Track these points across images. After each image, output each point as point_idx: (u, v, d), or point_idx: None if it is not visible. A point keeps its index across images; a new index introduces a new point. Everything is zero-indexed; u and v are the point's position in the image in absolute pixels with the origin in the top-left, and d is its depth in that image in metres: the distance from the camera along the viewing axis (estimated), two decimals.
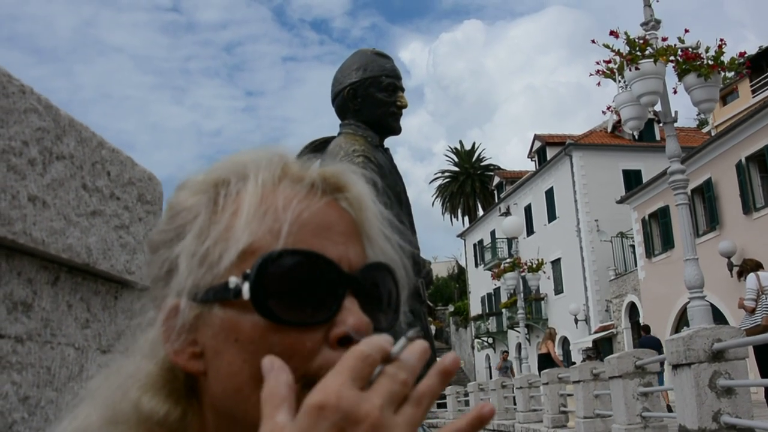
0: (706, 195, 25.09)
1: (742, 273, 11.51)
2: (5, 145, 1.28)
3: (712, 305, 9.97)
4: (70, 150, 1.47)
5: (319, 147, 3.33)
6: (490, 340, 49.21)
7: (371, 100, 3.30)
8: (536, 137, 44.13)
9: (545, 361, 18.60)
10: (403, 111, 3.40)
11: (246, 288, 0.71)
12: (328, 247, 0.74)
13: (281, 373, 0.64)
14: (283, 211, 0.74)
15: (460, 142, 67.59)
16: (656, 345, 16.05)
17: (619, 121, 34.53)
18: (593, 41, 8.86)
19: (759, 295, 10.63)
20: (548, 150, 41.68)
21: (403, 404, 0.62)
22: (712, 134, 29.71)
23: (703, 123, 44.40)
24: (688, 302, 8.12)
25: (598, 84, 9.15)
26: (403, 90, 3.39)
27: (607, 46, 8.70)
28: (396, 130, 3.40)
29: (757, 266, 11.22)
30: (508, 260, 24.06)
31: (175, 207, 0.81)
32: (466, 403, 28.13)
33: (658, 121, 36.03)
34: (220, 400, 0.75)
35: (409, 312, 3.13)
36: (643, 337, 19.89)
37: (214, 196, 0.78)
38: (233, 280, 0.72)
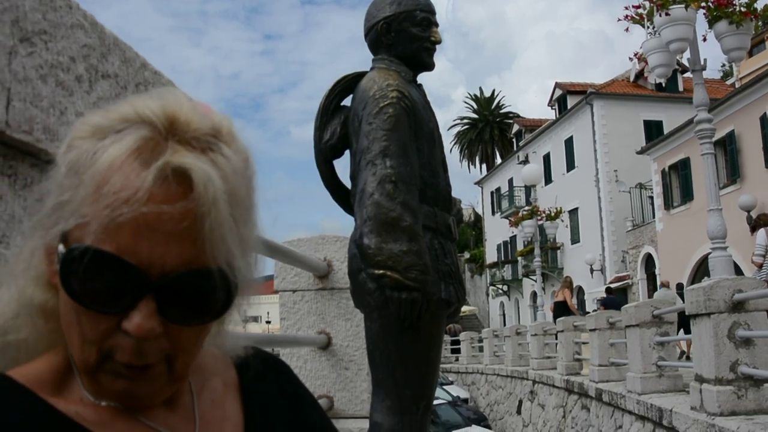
0: (728, 147, 24.82)
1: (755, 228, 11.42)
2: (53, 60, 1.26)
3: None
4: (114, 69, 1.45)
5: (351, 82, 3.30)
6: (505, 288, 49.39)
7: (405, 35, 3.25)
8: (557, 85, 43.70)
9: (561, 309, 18.64)
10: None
11: (58, 266, 0.80)
12: (143, 247, 0.77)
13: None
14: (114, 202, 0.76)
15: (480, 89, 66.86)
16: (619, 305, 16.43)
17: (642, 71, 34.26)
18: None
19: (767, 251, 10.55)
20: (569, 98, 41.30)
21: None
22: (737, 86, 29.28)
23: (727, 75, 43.77)
24: (707, 254, 8.09)
25: (626, 30, 9.00)
26: (437, 25, 3.33)
27: None
28: (430, 66, 3.35)
29: None
30: (526, 208, 24.01)
31: (71, 139, 0.85)
32: (480, 349, 28.35)
33: (682, 72, 35.78)
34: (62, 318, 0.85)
35: (439, 247, 3.13)
36: (607, 297, 19.98)
37: (84, 153, 0.81)
38: (60, 249, 0.80)
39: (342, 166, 3.38)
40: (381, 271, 2.88)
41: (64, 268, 0.79)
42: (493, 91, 65.82)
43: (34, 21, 1.21)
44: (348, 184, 3.31)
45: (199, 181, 0.79)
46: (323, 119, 3.30)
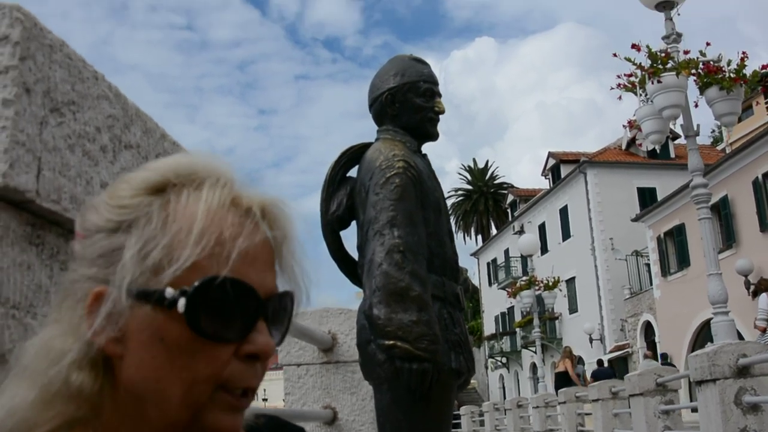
0: (722, 212, 24.95)
1: (757, 292, 11.42)
2: (81, 130, 1.27)
3: None
4: (137, 140, 1.47)
5: (357, 153, 3.33)
6: (504, 360, 48.96)
7: (409, 106, 3.30)
8: (550, 155, 44.08)
9: (562, 380, 18.46)
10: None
11: (182, 303, 0.80)
12: (251, 274, 0.84)
13: None
14: (230, 241, 0.83)
15: (474, 160, 67.34)
16: (610, 377, 16.50)
17: (633, 138, 34.56)
18: (615, 54, 8.84)
19: None
20: (562, 167, 41.62)
21: None
22: (727, 151, 29.59)
23: (717, 140, 44.24)
24: (707, 320, 8.08)
25: (619, 98, 9.12)
26: (440, 95, 3.38)
27: (629, 60, 8.67)
28: (434, 136, 3.39)
29: None
30: (523, 279, 23.98)
31: (118, 199, 0.86)
32: (481, 423, 27.96)
33: (673, 138, 36.16)
34: (136, 384, 0.83)
35: (448, 317, 3.11)
36: (597, 369, 19.86)
37: (165, 202, 0.85)
38: (170, 292, 0.80)
39: (348, 237, 3.40)
40: (391, 342, 2.86)
41: (191, 305, 0.80)
42: (487, 162, 66.39)
43: (64, 92, 1.23)
44: (355, 255, 3.31)
45: (281, 218, 0.90)
46: (329, 190, 3.32)
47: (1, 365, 0.97)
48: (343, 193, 3.30)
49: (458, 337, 3.12)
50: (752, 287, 11.90)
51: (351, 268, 3.35)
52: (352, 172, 3.35)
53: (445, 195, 3.62)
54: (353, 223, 3.31)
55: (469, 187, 64.36)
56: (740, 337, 21.30)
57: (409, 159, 3.11)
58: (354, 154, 3.34)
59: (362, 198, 3.12)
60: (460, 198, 64.23)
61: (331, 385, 4.46)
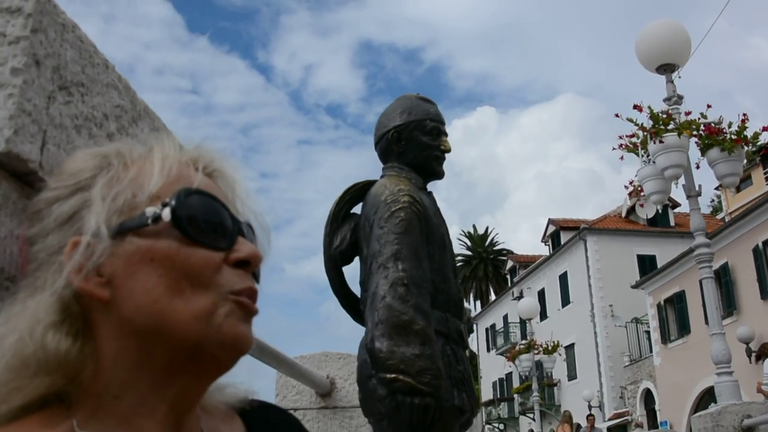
0: (723, 279, 24.88)
1: (760, 357, 11.36)
2: (88, 113, 1.26)
3: None
4: (144, 136, 1.44)
5: (361, 189, 3.31)
6: (502, 426, 48.36)
7: (415, 143, 3.29)
8: (550, 221, 44.22)
9: None
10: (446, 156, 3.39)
11: (167, 212, 0.84)
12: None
13: None
14: (187, 170, 0.91)
15: (474, 226, 67.52)
16: None
17: (633, 206, 34.66)
18: (617, 115, 8.88)
19: None
20: (562, 234, 41.72)
21: None
22: (726, 220, 29.68)
23: (716, 210, 44.41)
24: (708, 387, 8.00)
25: (621, 158, 9.15)
26: (446, 134, 3.38)
27: (631, 120, 8.72)
28: (439, 174, 3.38)
29: None
30: (522, 342, 23.80)
31: (71, 169, 0.91)
32: None
33: (672, 207, 36.27)
34: (134, 317, 0.82)
35: (451, 353, 3.06)
36: None
37: (123, 157, 0.91)
38: (150, 210, 0.84)
39: (351, 274, 3.36)
40: (393, 375, 2.80)
41: (176, 212, 0.85)
42: (487, 228, 66.58)
43: (74, 72, 1.22)
44: (357, 291, 3.27)
45: (225, 167, 0.98)
46: (333, 226, 3.30)
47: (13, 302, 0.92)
48: (347, 228, 3.28)
49: (461, 375, 3.06)
50: (754, 354, 11.77)
51: (353, 304, 3.31)
52: (357, 209, 3.33)
53: None
54: (356, 260, 3.28)
55: (469, 252, 64.43)
56: None
57: (414, 194, 3.09)
58: (359, 191, 3.33)
59: (366, 232, 3.10)
60: (460, 263, 64.16)
61: (329, 431, 4.37)
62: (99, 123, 1.29)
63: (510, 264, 52.21)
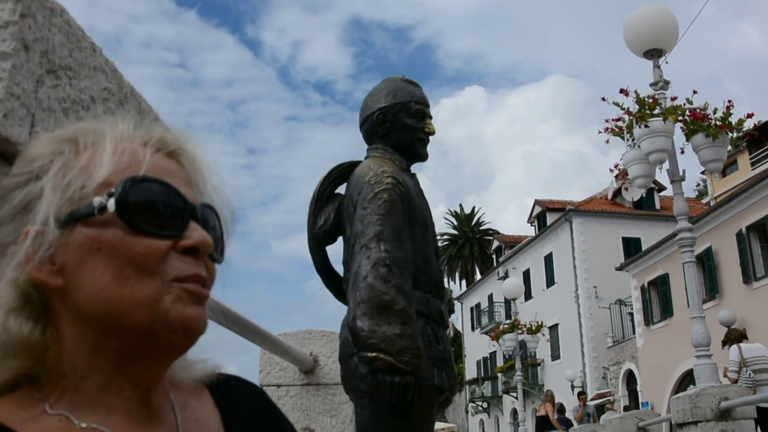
0: (706, 263, 25.07)
1: (726, 343, 11.47)
2: (76, 96, 1.29)
3: None
4: (102, 117, 1.48)
5: (346, 170, 3.34)
6: (485, 405, 48.68)
7: (400, 125, 3.32)
8: (537, 202, 44.33)
9: (543, 425, 18.36)
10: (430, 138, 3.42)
11: (111, 203, 0.85)
12: (172, 182, 0.90)
13: None
14: (140, 153, 0.90)
15: (460, 205, 67.55)
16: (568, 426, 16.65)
17: (619, 189, 34.85)
18: (603, 99, 8.92)
19: (741, 367, 10.58)
20: (548, 215, 41.86)
21: None
22: (711, 204, 29.86)
23: (702, 194, 44.65)
24: (689, 370, 8.08)
25: (607, 141, 9.19)
26: (431, 117, 3.41)
27: (617, 104, 8.77)
28: (423, 156, 3.41)
29: (740, 337, 11.18)
30: (506, 322, 23.93)
31: (29, 155, 0.92)
32: None
33: (658, 190, 36.44)
34: (85, 305, 0.85)
35: (431, 333, 3.11)
36: (558, 417, 19.75)
37: (75, 143, 0.91)
38: (97, 200, 0.85)
39: (334, 253, 3.40)
40: (373, 354, 2.85)
41: (120, 201, 0.85)
42: (473, 208, 66.60)
43: (62, 56, 1.25)
44: (340, 270, 3.31)
45: (186, 145, 0.98)
46: (317, 205, 3.33)
47: None
48: (331, 208, 3.31)
49: (441, 354, 3.11)
50: (724, 337, 11.83)
51: (336, 283, 3.35)
52: (341, 189, 3.37)
53: None
54: (339, 239, 3.32)
55: (455, 232, 64.49)
56: None
57: (398, 176, 3.13)
58: (343, 171, 3.36)
59: (350, 212, 3.13)
60: (446, 243, 64.28)
61: (311, 407, 4.43)
62: (86, 106, 1.32)
63: (496, 244, 52.35)
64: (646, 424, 9.41)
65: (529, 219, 45.34)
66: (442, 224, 63.40)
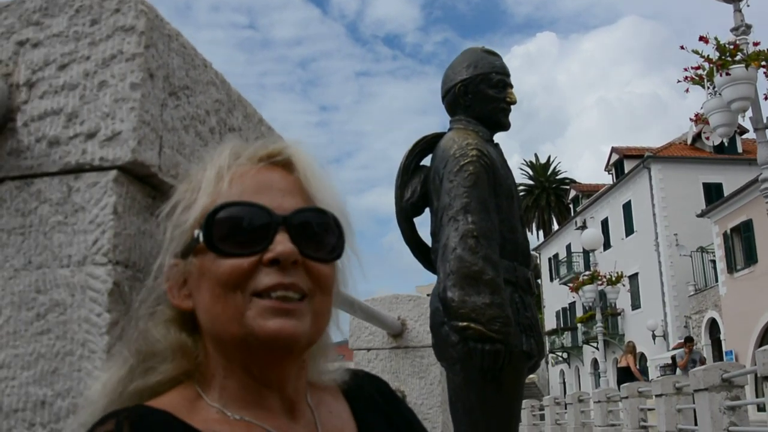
0: None
1: None
2: (194, 113, 1.38)
3: None
4: (239, 123, 1.58)
5: (430, 142, 3.41)
6: (565, 355, 48.63)
7: (482, 97, 3.37)
8: (613, 150, 43.58)
9: (624, 375, 18.30)
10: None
11: (200, 233, 0.98)
12: (264, 199, 0.99)
13: None
14: (227, 176, 1.01)
15: (536, 155, 67.18)
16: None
17: (699, 133, 34.02)
18: (682, 47, 8.76)
19: None
20: (626, 163, 41.13)
21: None
22: None
23: None
24: None
25: (687, 90, 9.04)
26: (512, 86, 3.45)
27: (696, 52, 8.60)
28: (506, 126, 3.46)
29: None
30: (586, 273, 23.77)
31: (173, 194, 1.08)
32: (542, 417, 27.83)
33: (740, 133, 35.42)
34: (203, 323, 1.00)
35: (519, 301, 3.18)
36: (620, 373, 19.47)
37: (189, 182, 1.05)
38: (196, 232, 0.98)
39: (422, 224, 3.48)
40: (464, 323, 2.94)
41: (207, 232, 0.97)
42: (549, 158, 65.94)
43: (180, 77, 1.34)
44: (429, 241, 3.40)
45: (292, 153, 1.07)
46: (404, 178, 3.41)
47: (128, 317, 1.08)
48: (417, 180, 3.39)
49: (529, 321, 3.19)
50: None
51: (425, 254, 3.44)
52: (426, 161, 3.44)
53: None
54: (427, 211, 3.40)
55: (531, 182, 64.00)
56: None
57: (482, 147, 3.19)
58: (428, 144, 3.43)
59: (436, 185, 3.21)
60: (522, 193, 63.74)
61: (400, 370, 4.56)
62: (202, 120, 1.42)
63: (573, 193, 51.75)
64: (731, 376, 9.31)
65: (606, 167, 44.65)
66: (518, 175, 62.89)
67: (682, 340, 32.85)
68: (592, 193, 46.37)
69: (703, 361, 17.87)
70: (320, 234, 1.02)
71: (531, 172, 64.73)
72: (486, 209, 3.08)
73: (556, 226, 56.64)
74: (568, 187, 57.14)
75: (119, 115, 1.21)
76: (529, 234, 59.52)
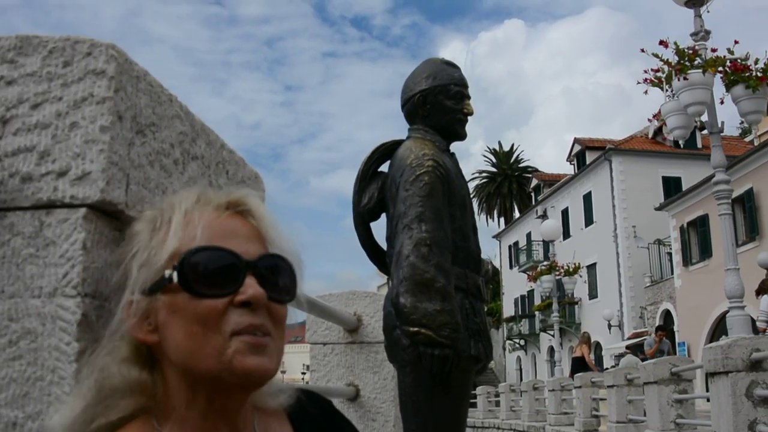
0: (746, 205, 24.92)
1: (760, 292, 11.37)
2: (159, 147, 1.47)
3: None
4: (201, 151, 1.66)
5: (388, 149, 3.52)
6: (522, 342, 49.19)
7: (440, 107, 3.47)
8: (576, 141, 44.01)
9: (579, 365, 18.64)
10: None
11: (175, 275, 1.05)
12: (231, 244, 1.08)
13: None
14: (198, 222, 1.09)
15: (499, 143, 67.34)
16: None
17: (660, 128, 34.42)
18: (642, 50, 8.94)
19: None
20: (587, 154, 41.58)
21: None
22: (755, 144, 29.47)
23: (745, 132, 43.97)
24: (726, 312, 8.18)
25: (646, 92, 9.23)
26: (469, 98, 3.56)
27: (656, 56, 8.78)
28: (462, 136, 3.57)
29: None
30: (544, 263, 24.09)
31: (130, 234, 1.16)
32: (497, 403, 28.16)
33: (701, 129, 35.82)
34: (173, 357, 1.06)
35: (469, 307, 3.31)
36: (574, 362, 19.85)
37: (154, 223, 1.13)
38: (167, 272, 1.06)
39: (378, 229, 3.59)
40: (415, 329, 3.07)
41: (181, 273, 1.05)
42: (512, 146, 66.21)
43: (147, 115, 1.43)
44: (384, 245, 3.51)
45: (250, 202, 1.16)
46: (362, 184, 3.52)
47: (96, 344, 1.17)
48: (375, 187, 3.50)
49: (478, 326, 3.32)
50: (758, 287, 11.64)
51: (380, 258, 3.55)
52: (384, 167, 3.54)
53: (470, 176, 3.79)
54: (383, 216, 3.50)
55: (494, 169, 64.30)
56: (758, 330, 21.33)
57: (438, 158, 3.30)
58: (386, 151, 3.54)
59: (393, 193, 3.32)
60: (485, 180, 64.19)
61: (355, 364, 4.66)
62: (167, 153, 1.51)
63: (535, 182, 52.20)
64: (680, 370, 9.56)
65: (569, 157, 45.09)
66: (481, 161, 63.20)
67: (638, 330, 33.46)
68: (553, 183, 46.83)
69: (670, 353, 17.96)
70: (279, 277, 1.11)
71: (494, 160, 65.02)
72: (439, 218, 3.20)
73: (517, 214, 57.07)
74: (530, 175, 57.54)
75: (89, 156, 1.29)
76: (490, 221, 59.98)
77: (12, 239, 1.30)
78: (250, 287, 1.06)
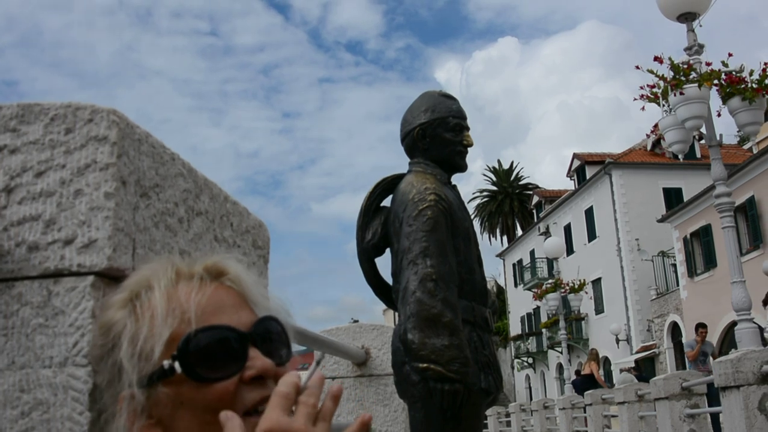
0: (749, 213, 24.91)
1: (767, 303, 11.32)
2: (163, 208, 1.48)
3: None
4: (205, 206, 1.67)
5: (390, 184, 3.52)
6: (530, 360, 48.98)
7: (439, 140, 3.49)
8: (575, 156, 44.04)
9: (588, 383, 18.54)
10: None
11: (177, 364, 0.98)
12: (224, 318, 1.03)
13: (234, 419, 0.91)
14: (186, 304, 1.03)
15: (498, 161, 67.70)
16: (589, 388, 16.71)
17: (659, 140, 34.47)
18: (638, 67, 8.98)
19: None
20: (587, 169, 41.59)
21: (317, 419, 0.90)
22: (754, 151, 29.49)
23: (744, 139, 44.01)
24: (733, 321, 8.15)
25: (642, 108, 9.25)
26: (468, 129, 3.57)
27: (651, 72, 8.81)
28: (463, 168, 3.58)
29: None
30: (549, 281, 24.06)
31: (106, 324, 1.08)
32: (508, 423, 28.02)
33: (700, 139, 35.86)
34: None
35: (477, 339, 3.31)
36: (576, 379, 19.75)
37: (132, 308, 1.06)
38: (166, 363, 0.99)
39: (383, 263, 3.59)
40: (425, 365, 3.06)
41: (184, 361, 0.98)
42: (512, 163, 66.33)
43: (150, 177, 1.43)
44: (389, 280, 3.51)
45: (228, 267, 1.11)
46: (365, 220, 3.52)
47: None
48: (378, 222, 3.50)
49: (487, 359, 3.31)
50: (765, 297, 11.50)
51: (386, 293, 3.55)
52: (387, 201, 3.55)
53: (471, 196, 3.78)
54: (388, 250, 3.51)
55: (494, 188, 64.36)
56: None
57: (440, 192, 3.30)
58: (387, 185, 3.54)
59: (396, 228, 3.32)
60: (486, 199, 64.24)
61: (365, 398, 4.65)
62: (171, 212, 1.51)
63: (536, 199, 52.18)
64: (691, 385, 9.51)
65: (568, 173, 45.11)
66: (481, 180, 63.22)
67: (646, 344, 33.29)
68: (554, 199, 46.82)
69: (714, 356, 14.22)
70: (276, 340, 1.07)
71: (494, 178, 65.11)
72: (444, 252, 3.20)
73: (519, 232, 57.04)
74: (531, 192, 57.58)
75: (95, 224, 1.30)
76: (493, 240, 59.85)
77: (21, 309, 1.31)
78: (257, 360, 1.01)
